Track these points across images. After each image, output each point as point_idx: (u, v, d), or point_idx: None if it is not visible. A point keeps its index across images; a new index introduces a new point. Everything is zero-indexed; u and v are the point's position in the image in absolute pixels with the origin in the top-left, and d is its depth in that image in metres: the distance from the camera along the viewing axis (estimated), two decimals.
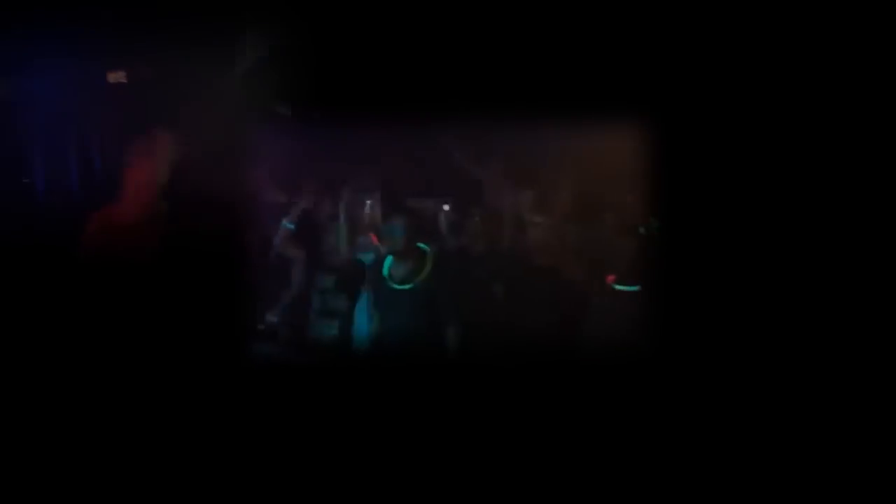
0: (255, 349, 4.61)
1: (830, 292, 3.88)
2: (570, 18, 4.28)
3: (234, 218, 4.21)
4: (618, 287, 4.31)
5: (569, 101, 4.33)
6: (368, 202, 5.11)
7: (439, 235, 4.92)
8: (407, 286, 4.47)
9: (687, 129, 4.06)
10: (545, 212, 4.67)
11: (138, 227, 3.96)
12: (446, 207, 5.12)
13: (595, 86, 4.28)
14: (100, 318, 3.95)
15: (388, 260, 4.57)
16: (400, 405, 4.28)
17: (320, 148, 5.18)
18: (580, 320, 4.40)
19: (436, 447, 4.17)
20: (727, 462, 3.89)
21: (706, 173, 4.04)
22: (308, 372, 4.61)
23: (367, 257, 4.79)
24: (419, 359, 4.39)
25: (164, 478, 3.94)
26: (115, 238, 3.95)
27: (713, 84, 4.04)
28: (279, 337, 4.98)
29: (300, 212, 5.06)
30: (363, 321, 4.73)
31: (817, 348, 3.87)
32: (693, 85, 4.07)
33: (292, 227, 5.01)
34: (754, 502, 3.84)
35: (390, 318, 4.53)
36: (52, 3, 4.32)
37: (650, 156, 4.17)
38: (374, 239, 4.83)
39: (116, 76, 4.50)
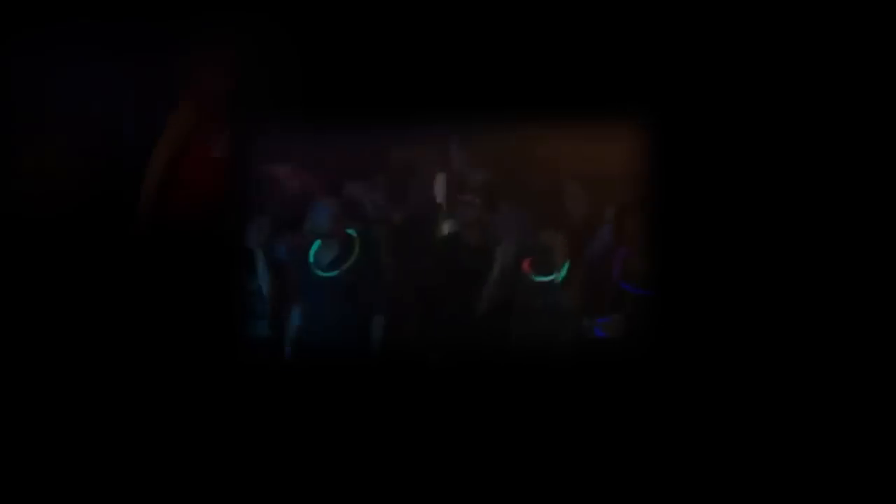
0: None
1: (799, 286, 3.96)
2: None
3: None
4: (536, 278, 4.33)
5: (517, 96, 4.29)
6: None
7: (368, 221, 4.87)
8: (333, 273, 4.43)
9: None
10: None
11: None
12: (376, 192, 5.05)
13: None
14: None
15: (315, 245, 4.49)
16: (328, 400, 4.21)
17: None
18: (507, 310, 4.43)
19: (363, 445, 4.12)
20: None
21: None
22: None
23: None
24: (344, 350, 4.35)
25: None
26: None
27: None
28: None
29: None
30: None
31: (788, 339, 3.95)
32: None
33: None
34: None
35: (315, 308, 4.45)
36: None
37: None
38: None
39: None
